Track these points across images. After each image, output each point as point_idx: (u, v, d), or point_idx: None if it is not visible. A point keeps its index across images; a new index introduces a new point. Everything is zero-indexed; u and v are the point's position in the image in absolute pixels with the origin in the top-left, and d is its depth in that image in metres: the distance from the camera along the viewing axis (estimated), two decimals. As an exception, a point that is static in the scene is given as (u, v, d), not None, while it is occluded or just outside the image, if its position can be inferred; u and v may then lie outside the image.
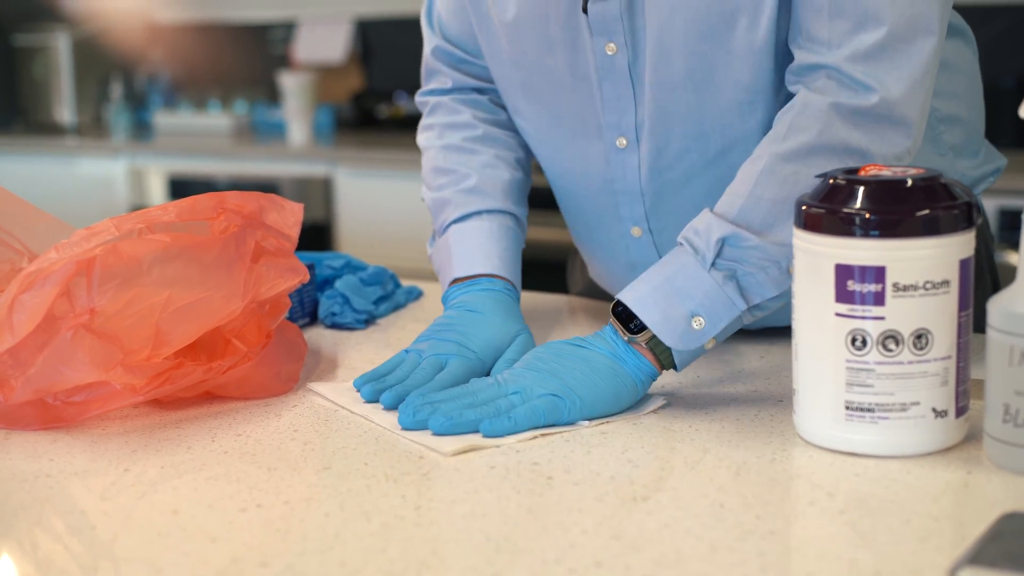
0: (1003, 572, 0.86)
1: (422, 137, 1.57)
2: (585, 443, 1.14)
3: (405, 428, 1.17)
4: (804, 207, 1.10)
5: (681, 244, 1.24)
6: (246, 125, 4.36)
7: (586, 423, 1.19)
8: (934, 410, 1.08)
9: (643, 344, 1.22)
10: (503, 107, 1.54)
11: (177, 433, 1.20)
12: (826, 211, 1.08)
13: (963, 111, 1.44)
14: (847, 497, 1.01)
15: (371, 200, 3.79)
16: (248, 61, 4.67)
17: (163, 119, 4.40)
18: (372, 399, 1.25)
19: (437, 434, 1.16)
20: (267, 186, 3.74)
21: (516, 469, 1.09)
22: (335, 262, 1.63)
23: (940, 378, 1.08)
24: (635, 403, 1.23)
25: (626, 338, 1.23)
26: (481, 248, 1.43)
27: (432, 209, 1.51)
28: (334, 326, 1.56)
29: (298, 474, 1.10)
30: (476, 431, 1.16)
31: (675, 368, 1.24)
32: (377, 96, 4.34)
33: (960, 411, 1.10)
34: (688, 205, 1.37)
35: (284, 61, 4.50)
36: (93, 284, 1.17)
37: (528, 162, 1.55)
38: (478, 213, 1.46)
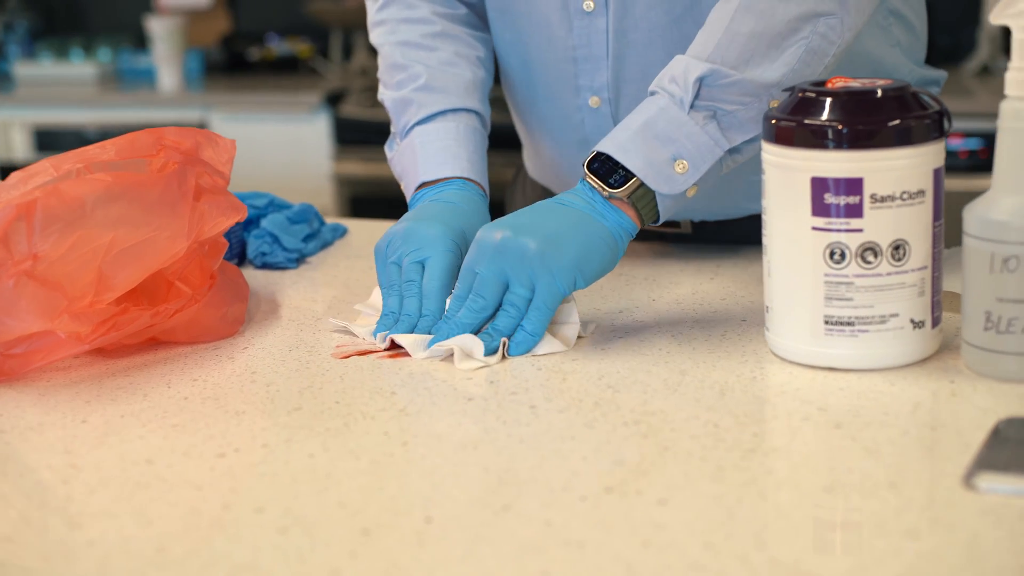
0: (1017, 475, 0.86)
1: (375, 34, 1.47)
2: (559, 371, 1.12)
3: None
4: (774, 120, 1.08)
5: (653, 92, 1.21)
6: (111, 73, 4.22)
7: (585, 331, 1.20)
8: (912, 321, 1.07)
9: (624, 199, 1.18)
10: (463, 1, 1.48)
11: (128, 381, 1.14)
12: (799, 124, 1.07)
13: (909, 12, 1.43)
14: (839, 411, 1.00)
15: (249, 144, 3.69)
16: (109, 7, 4.52)
17: (23, 70, 4.23)
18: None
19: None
20: (141, 134, 3.62)
21: (495, 399, 1.06)
22: (258, 201, 1.57)
23: (917, 288, 1.07)
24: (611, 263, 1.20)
25: (606, 194, 1.19)
26: (448, 150, 1.36)
27: (392, 110, 1.43)
28: (265, 266, 1.51)
29: (269, 416, 1.05)
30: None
31: (656, 220, 1.21)
32: (247, 39, 4.23)
33: (935, 321, 1.10)
34: (651, 70, 1.33)
35: (147, 6, 4.36)
36: (35, 228, 1.11)
37: (490, 61, 1.48)
38: (442, 113, 1.39)
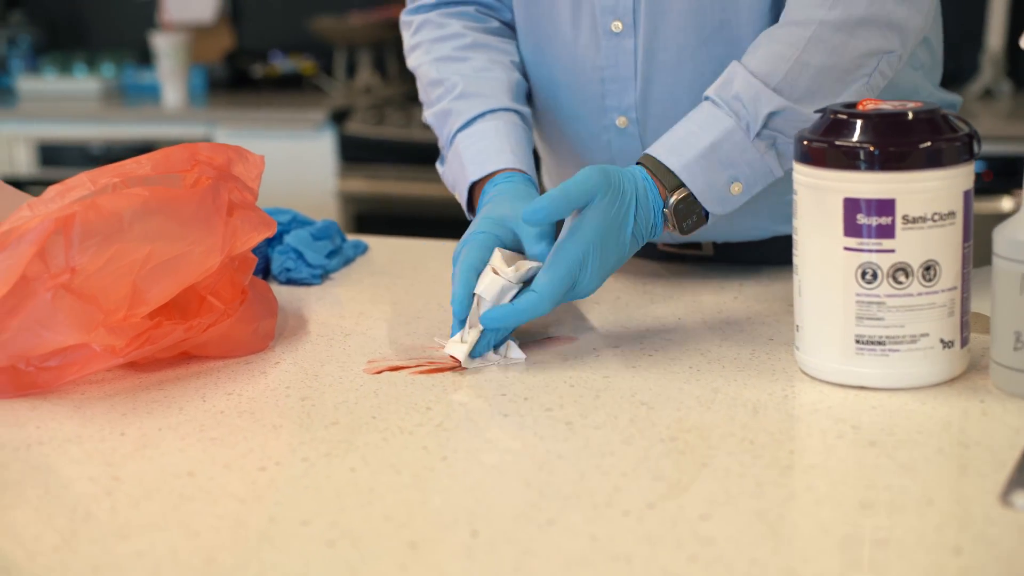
0: (1055, 494, 0.87)
1: (411, 58, 1.50)
2: (591, 388, 1.13)
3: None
4: (807, 142, 1.10)
5: (715, 103, 1.24)
6: (115, 88, 4.23)
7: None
8: (942, 341, 1.09)
9: (672, 208, 1.23)
10: (492, 16, 1.50)
11: (163, 395, 1.15)
12: (831, 145, 1.08)
13: (931, 34, 1.45)
14: (872, 429, 1.01)
15: (253, 161, 3.70)
16: (113, 23, 4.53)
17: (27, 84, 4.24)
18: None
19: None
20: (145, 150, 3.64)
21: (531, 415, 1.07)
22: (282, 217, 1.58)
23: (947, 309, 1.08)
24: None
25: (671, 229, 1.23)
26: (492, 146, 1.36)
27: (435, 125, 1.44)
28: (289, 282, 1.52)
29: (307, 431, 1.06)
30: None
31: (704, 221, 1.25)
32: (251, 56, 4.24)
33: (964, 341, 1.11)
34: (679, 90, 1.36)
35: (151, 22, 4.38)
36: (73, 242, 1.12)
37: (523, 67, 1.49)
38: (481, 115, 1.39)
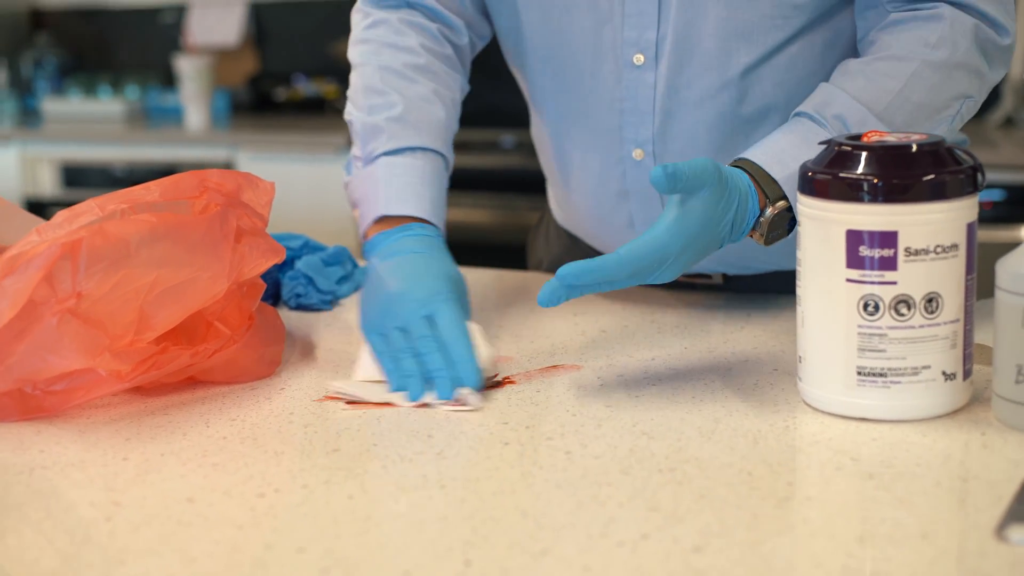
0: (1051, 529, 0.87)
1: (356, 51, 1.47)
2: (594, 417, 1.13)
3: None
4: (811, 173, 1.10)
5: (816, 120, 1.25)
6: (139, 110, 4.27)
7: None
8: (944, 373, 1.09)
9: (769, 219, 1.21)
10: (450, 41, 1.49)
11: (167, 420, 1.16)
12: (835, 177, 1.08)
13: None
14: (871, 461, 1.01)
15: (276, 184, 3.72)
16: (137, 45, 4.57)
17: (52, 106, 4.28)
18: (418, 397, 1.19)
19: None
20: (168, 172, 3.66)
21: (531, 444, 1.07)
22: (293, 243, 1.59)
23: (949, 341, 1.08)
24: None
25: (757, 238, 1.22)
26: (413, 188, 1.37)
27: (360, 134, 1.42)
28: (299, 307, 1.52)
29: (307, 457, 1.07)
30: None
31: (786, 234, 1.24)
32: (274, 79, 4.27)
33: (967, 374, 1.11)
34: (698, 127, 1.37)
35: (175, 44, 4.41)
36: (79, 267, 1.13)
37: (459, 106, 1.48)
38: (412, 149, 1.39)
